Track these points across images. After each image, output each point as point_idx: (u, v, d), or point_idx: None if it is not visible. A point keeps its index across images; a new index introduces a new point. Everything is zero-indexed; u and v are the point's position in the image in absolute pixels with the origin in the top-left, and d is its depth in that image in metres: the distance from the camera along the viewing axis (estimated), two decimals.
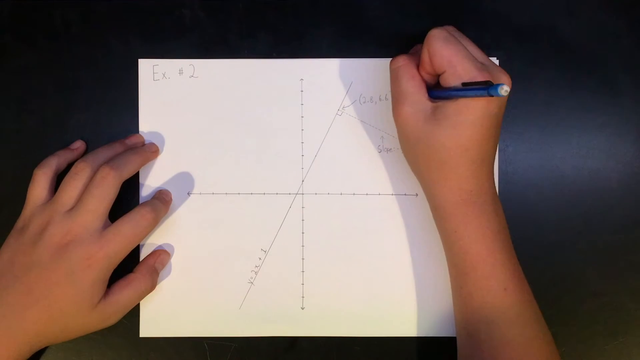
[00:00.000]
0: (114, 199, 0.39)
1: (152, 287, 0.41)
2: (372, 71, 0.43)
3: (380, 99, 0.43)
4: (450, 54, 0.35)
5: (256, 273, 0.43)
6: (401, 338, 0.43)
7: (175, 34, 0.44)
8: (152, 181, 0.43)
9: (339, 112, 0.43)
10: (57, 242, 0.37)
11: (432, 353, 0.43)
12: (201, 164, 0.43)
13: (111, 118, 0.44)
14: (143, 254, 0.43)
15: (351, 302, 0.43)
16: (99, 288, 0.38)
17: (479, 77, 0.34)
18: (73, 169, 0.39)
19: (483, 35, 0.43)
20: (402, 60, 0.38)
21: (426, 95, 0.37)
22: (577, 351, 0.43)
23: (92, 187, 0.38)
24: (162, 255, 0.42)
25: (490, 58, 0.43)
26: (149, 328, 0.43)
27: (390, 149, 0.43)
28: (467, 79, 0.35)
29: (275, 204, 0.43)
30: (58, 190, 0.39)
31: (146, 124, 0.43)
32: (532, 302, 0.37)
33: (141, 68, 0.43)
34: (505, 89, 0.31)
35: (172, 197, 0.43)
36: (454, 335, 0.43)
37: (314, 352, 0.43)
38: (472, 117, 0.35)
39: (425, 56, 0.36)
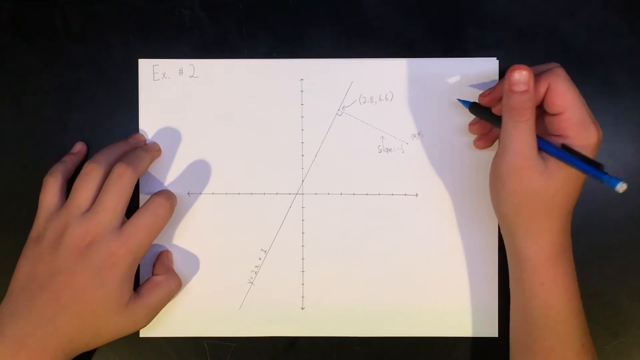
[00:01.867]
0: (131, 196, 0.38)
1: (179, 285, 0.42)
2: (372, 71, 0.43)
3: (380, 99, 0.43)
4: (575, 96, 0.35)
5: (256, 273, 0.43)
6: (401, 338, 0.43)
7: (175, 34, 0.44)
8: (152, 181, 0.43)
9: (339, 112, 0.43)
10: (77, 244, 0.37)
11: (432, 353, 0.43)
12: (201, 164, 0.43)
13: (111, 118, 0.44)
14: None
15: (351, 302, 0.43)
16: (127, 286, 0.38)
17: (592, 130, 0.34)
18: (84, 170, 0.39)
19: (483, 35, 0.43)
20: (530, 113, 0.34)
21: (537, 147, 0.35)
22: None
23: (109, 185, 0.38)
24: (168, 254, 0.43)
25: (490, 58, 0.43)
26: (149, 328, 0.43)
27: (390, 149, 0.43)
28: (582, 128, 0.34)
29: (275, 204, 0.43)
30: (71, 194, 0.39)
31: (146, 124, 0.43)
32: None
33: (141, 68, 0.43)
34: (623, 188, 0.31)
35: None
36: (454, 335, 0.43)
37: (314, 352, 0.43)
38: (575, 170, 0.35)
39: (541, 91, 0.35)
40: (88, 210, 0.38)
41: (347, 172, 0.43)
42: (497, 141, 0.40)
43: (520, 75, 0.34)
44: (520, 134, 0.35)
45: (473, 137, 0.43)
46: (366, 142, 0.43)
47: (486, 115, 0.39)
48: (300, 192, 0.43)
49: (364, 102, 0.43)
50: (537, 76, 0.36)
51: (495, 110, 0.38)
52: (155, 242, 0.43)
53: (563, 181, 0.35)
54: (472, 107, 0.41)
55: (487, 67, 0.43)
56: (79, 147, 0.43)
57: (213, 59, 0.43)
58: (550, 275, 0.36)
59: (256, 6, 0.44)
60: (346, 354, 0.43)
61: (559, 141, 0.35)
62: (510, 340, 0.40)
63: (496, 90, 0.39)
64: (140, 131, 0.43)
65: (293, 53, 0.44)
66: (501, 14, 0.43)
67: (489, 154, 0.43)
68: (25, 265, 0.38)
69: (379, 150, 0.43)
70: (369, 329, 0.43)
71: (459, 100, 0.42)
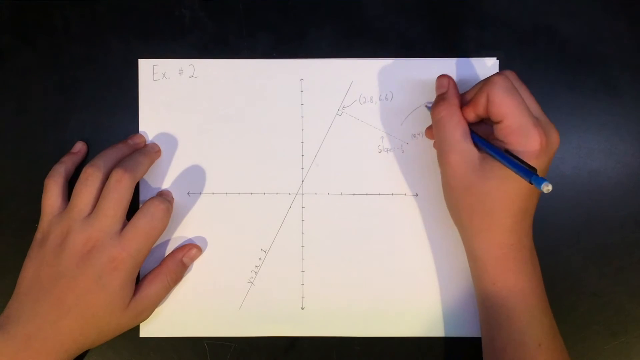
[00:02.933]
0: (130, 201, 0.39)
1: (177, 280, 0.42)
2: (372, 71, 0.43)
3: (380, 99, 0.43)
4: (511, 106, 0.35)
5: (256, 273, 0.43)
6: (401, 338, 0.43)
7: (175, 34, 0.44)
8: (152, 181, 0.43)
9: (339, 112, 0.43)
10: (79, 250, 0.37)
11: (432, 353, 0.43)
12: (201, 164, 0.43)
13: (111, 118, 0.44)
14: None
15: (351, 302, 0.43)
16: (128, 288, 0.38)
17: (533, 135, 0.34)
18: (82, 175, 0.39)
19: (483, 35, 0.43)
20: (444, 109, 0.38)
21: (472, 143, 0.37)
22: (577, 351, 0.43)
23: (107, 191, 0.38)
24: (192, 250, 0.42)
25: (490, 58, 0.43)
26: (149, 328, 0.43)
27: (390, 149, 0.43)
28: (522, 134, 0.35)
29: (275, 204, 0.43)
30: (72, 198, 0.39)
31: (146, 124, 0.43)
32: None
33: (141, 68, 0.43)
34: (547, 188, 0.30)
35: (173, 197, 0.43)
36: (454, 336, 0.43)
37: (314, 352, 0.43)
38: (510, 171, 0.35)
39: (482, 100, 0.36)
40: (89, 215, 0.38)
41: (347, 172, 0.43)
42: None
43: (440, 81, 0.39)
44: (444, 130, 0.37)
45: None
46: (366, 142, 0.43)
47: None
48: (300, 192, 0.43)
49: (364, 102, 0.43)
50: (473, 89, 0.38)
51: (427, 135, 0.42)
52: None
53: (498, 179, 0.35)
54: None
55: (487, 67, 0.43)
56: (79, 147, 0.43)
57: (213, 59, 0.43)
58: (499, 274, 0.37)
59: (256, 6, 0.44)
60: (346, 354, 0.43)
61: (502, 146, 0.36)
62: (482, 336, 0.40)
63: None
64: (140, 131, 0.43)
65: (293, 53, 0.44)
66: (501, 14, 0.43)
67: None
68: (30, 266, 0.39)
69: (379, 150, 0.43)
70: (369, 329, 0.43)
71: (427, 106, 0.42)
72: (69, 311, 0.37)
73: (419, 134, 0.43)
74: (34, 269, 0.38)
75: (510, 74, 0.37)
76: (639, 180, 0.43)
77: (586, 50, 0.43)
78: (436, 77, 0.40)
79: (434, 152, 0.43)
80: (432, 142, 0.43)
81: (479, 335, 0.43)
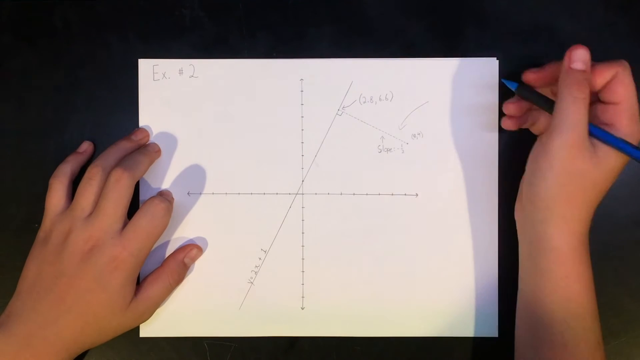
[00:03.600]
0: (130, 200, 0.39)
1: (178, 281, 0.42)
2: (372, 71, 0.43)
3: (380, 99, 0.43)
4: (634, 92, 0.35)
5: (256, 273, 0.43)
6: (401, 338, 0.43)
7: (175, 34, 0.44)
8: (152, 181, 0.43)
9: (339, 112, 0.43)
10: (80, 249, 0.38)
11: (432, 353, 0.43)
12: (201, 164, 0.43)
13: (111, 118, 0.44)
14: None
15: (351, 302, 0.43)
16: (129, 288, 0.38)
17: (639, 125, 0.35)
18: (87, 174, 0.39)
19: (483, 35, 0.43)
20: (587, 90, 0.35)
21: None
22: None
23: (107, 191, 0.38)
24: (192, 250, 0.42)
25: (490, 58, 0.43)
26: (149, 328, 0.43)
27: (390, 149, 0.43)
28: (632, 118, 0.35)
29: (275, 204, 0.43)
30: (75, 197, 0.39)
31: (146, 124, 0.43)
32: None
33: (141, 68, 0.43)
34: None
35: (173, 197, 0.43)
36: (453, 336, 0.43)
37: (314, 352, 0.43)
38: (621, 162, 0.35)
39: (606, 76, 0.35)
40: (91, 214, 0.38)
41: (347, 172, 0.43)
42: (521, 126, 0.41)
43: (581, 54, 0.35)
44: (577, 109, 0.34)
45: (473, 136, 0.43)
46: (366, 142, 0.43)
47: (534, 96, 0.38)
48: (300, 192, 0.43)
49: (364, 102, 0.43)
50: (603, 64, 0.36)
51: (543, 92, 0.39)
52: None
53: (609, 169, 0.35)
54: (520, 88, 0.39)
55: (487, 67, 0.43)
56: (85, 147, 0.43)
57: (213, 59, 0.43)
58: (575, 268, 0.36)
59: (256, 6, 0.44)
60: (346, 354, 0.43)
61: (607, 130, 0.35)
62: (516, 337, 0.39)
63: (545, 71, 0.38)
64: None
65: (293, 53, 0.44)
66: (501, 14, 0.43)
67: (490, 153, 0.43)
68: (32, 265, 0.39)
69: (379, 150, 0.43)
70: (369, 329, 0.43)
71: (503, 80, 0.40)
72: (70, 310, 0.37)
73: (419, 134, 0.43)
74: (36, 267, 0.38)
75: None
76: (639, 180, 0.43)
77: None
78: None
79: (434, 152, 0.43)
80: (432, 142, 0.43)
81: (479, 335, 0.43)
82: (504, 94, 0.42)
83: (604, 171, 0.35)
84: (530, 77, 0.39)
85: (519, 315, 0.39)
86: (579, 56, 0.35)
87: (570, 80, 0.35)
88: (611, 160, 0.35)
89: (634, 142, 0.35)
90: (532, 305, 0.37)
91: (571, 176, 0.35)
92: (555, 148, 0.35)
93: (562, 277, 0.36)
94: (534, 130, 0.40)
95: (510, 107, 0.40)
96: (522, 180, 0.38)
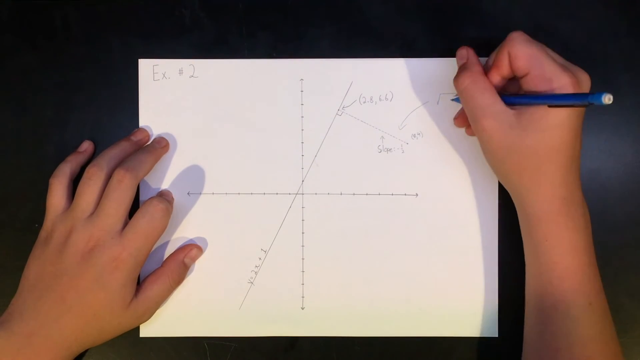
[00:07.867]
0: (132, 200, 0.39)
1: (179, 281, 0.42)
2: (372, 71, 0.43)
3: (380, 99, 0.43)
4: (535, 54, 0.35)
5: (256, 273, 0.43)
6: (401, 338, 0.43)
7: (175, 34, 0.44)
8: (152, 181, 0.43)
9: (339, 112, 0.43)
10: (81, 248, 0.38)
11: (432, 353, 0.43)
12: (201, 164, 0.43)
13: (111, 118, 0.44)
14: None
15: (351, 302, 0.43)
16: (129, 288, 0.39)
17: (564, 77, 0.34)
18: (86, 174, 0.39)
19: (483, 35, 0.43)
20: (467, 78, 0.37)
21: (503, 104, 0.36)
22: None
23: (109, 191, 0.38)
24: (193, 250, 0.42)
25: (490, 58, 0.43)
26: (149, 328, 0.43)
27: (390, 149, 0.43)
28: (552, 79, 0.35)
29: (275, 204, 0.43)
30: (75, 197, 0.39)
31: (146, 124, 0.43)
32: (611, 320, 0.37)
33: (141, 68, 0.43)
34: (608, 97, 0.30)
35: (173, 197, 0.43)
36: (453, 336, 0.43)
37: (314, 352, 0.43)
38: (559, 118, 0.34)
39: (504, 59, 0.36)
40: (92, 214, 0.38)
41: (347, 172, 0.43)
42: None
43: (459, 53, 0.40)
44: (468, 99, 0.37)
45: (473, 136, 0.43)
46: (366, 142, 0.43)
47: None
48: (300, 192, 0.43)
49: (364, 102, 0.43)
50: (497, 50, 0.38)
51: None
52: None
53: (540, 131, 0.35)
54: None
55: (487, 67, 0.43)
56: (86, 146, 0.43)
57: (213, 59, 0.43)
58: (552, 230, 0.36)
59: (256, 6, 0.44)
60: (346, 354, 0.43)
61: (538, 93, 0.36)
62: (525, 307, 0.39)
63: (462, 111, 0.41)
64: None
65: (293, 53, 0.44)
66: (501, 14, 0.43)
67: None
68: (34, 264, 0.39)
69: (379, 150, 0.43)
70: (369, 329, 0.43)
71: (453, 100, 0.42)
72: (70, 309, 0.37)
73: (419, 134, 0.43)
74: (37, 267, 0.39)
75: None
76: (639, 180, 0.43)
77: (586, 50, 0.43)
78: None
79: (434, 152, 0.43)
80: (432, 142, 0.43)
81: (479, 335, 0.43)
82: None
83: (534, 134, 0.35)
84: (459, 121, 0.42)
85: (527, 285, 0.39)
86: (458, 55, 0.40)
87: (455, 81, 0.38)
88: (535, 123, 0.35)
89: (573, 89, 0.34)
90: (529, 275, 0.39)
91: (507, 151, 0.36)
92: (481, 137, 0.37)
93: (542, 240, 0.36)
94: (469, 132, 0.43)
95: (458, 121, 0.43)
96: None
